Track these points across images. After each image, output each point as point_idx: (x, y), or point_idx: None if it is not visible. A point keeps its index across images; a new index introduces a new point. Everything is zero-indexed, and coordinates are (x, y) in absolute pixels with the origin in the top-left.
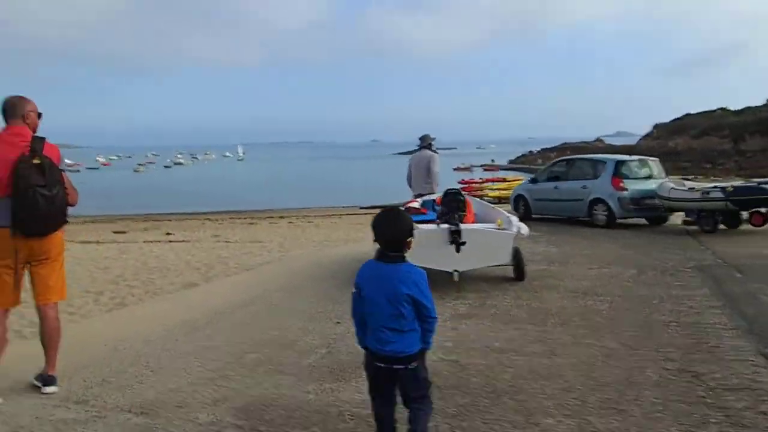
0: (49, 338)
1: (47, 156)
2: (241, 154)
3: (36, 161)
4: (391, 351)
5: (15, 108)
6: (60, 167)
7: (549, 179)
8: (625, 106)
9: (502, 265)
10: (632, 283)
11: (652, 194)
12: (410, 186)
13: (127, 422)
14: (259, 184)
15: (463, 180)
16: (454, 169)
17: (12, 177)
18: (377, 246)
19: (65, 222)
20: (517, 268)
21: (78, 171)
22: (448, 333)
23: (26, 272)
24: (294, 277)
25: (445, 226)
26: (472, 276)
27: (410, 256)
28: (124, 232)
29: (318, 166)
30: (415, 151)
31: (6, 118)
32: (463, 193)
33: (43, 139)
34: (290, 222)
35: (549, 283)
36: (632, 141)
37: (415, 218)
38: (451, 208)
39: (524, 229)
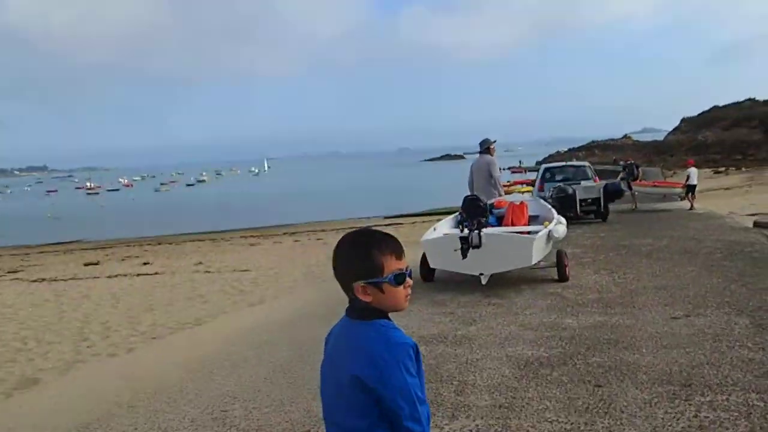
0: None
1: None
2: (266, 169)
3: None
4: None
5: None
6: None
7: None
8: (651, 101)
9: (539, 267)
10: (756, 349)
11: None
12: (471, 191)
13: None
14: (279, 198)
15: None
16: None
17: None
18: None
19: None
20: (558, 270)
21: (97, 194)
22: None
23: None
24: (216, 355)
25: (456, 232)
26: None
27: (435, 262)
28: (95, 263)
29: (343, 177)
30: (479, 152)
31: None
32: (482, 198)
33: None
34: (296, 240)
35: (615, 363)
36: (660, 136)
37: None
38: (470, 213)
39: (559, 232)
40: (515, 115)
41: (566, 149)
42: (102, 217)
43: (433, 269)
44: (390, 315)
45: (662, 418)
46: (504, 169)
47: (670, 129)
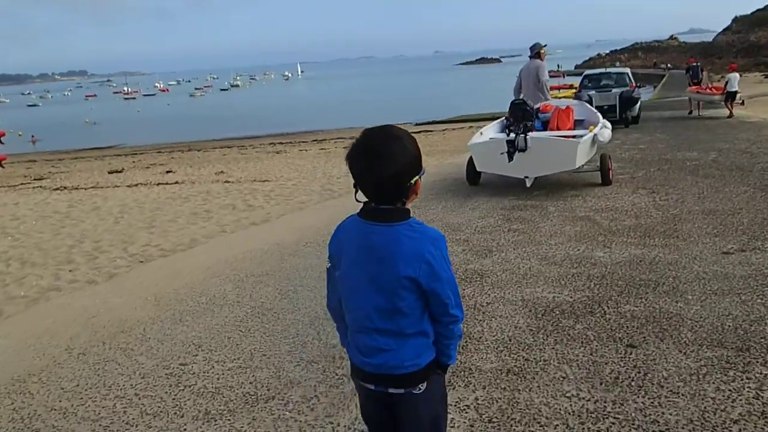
0: None
1: None
2: (299, 74)
3: None
4: (381, 365)
5: None
6: None
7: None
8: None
9: (582, 171)
10: None
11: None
12: (517, 95)
13: None
14: (310, 104)
15: None
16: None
17: None
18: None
19: None
20: (602, 174)
21: (134, 98)
22: None
23: None
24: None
25: (503, 136)
26: None
27: (481, 165)
28: (119, 171)
29: (375, 82)
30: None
31: None
32: (528, 102)
33: None
34: (322, 149)
35: (653, 314)
36: (708, 37)
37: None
38: (516, 117)
39: (604, 135)
40: (554, 17)
41: (608, 52)
42: (138, 122)
43: (479, 173)
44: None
45: (713, 398)
46: None
47: (720, 29)
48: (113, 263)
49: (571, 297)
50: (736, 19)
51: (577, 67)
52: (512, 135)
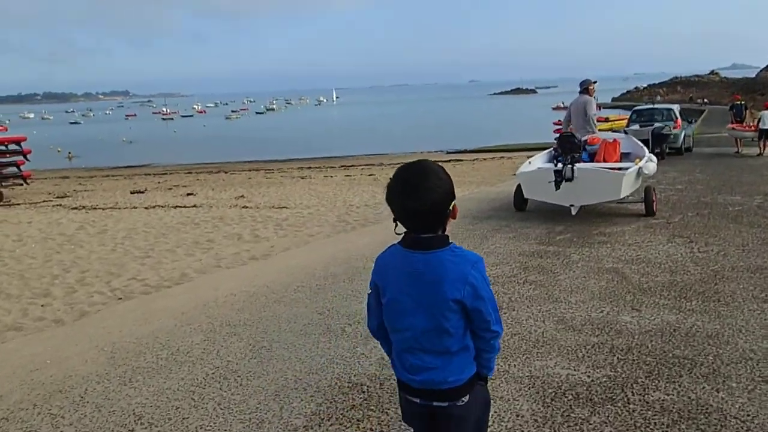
0: None
1: None
2: (334, 99)
3: None
4: (426, 381)
5: None
6: None
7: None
8: (741, 34)
9: (626, 202)
10: None
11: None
12: (566, 128)
13: None
14: (343, 129)
15: (559, 121)
16: (553, 108)
17: None
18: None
19: None
20: (645, 204)
21: (172, 119)
22: None
23: None
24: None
25: (551, 166)
26: None
27: (529, 192)
28: (141, 192)
29: (409, 110)
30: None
31: None
32: (575, 135)
33: None
34: (348, 175)
35: (688, 407)
36: (751, 73)
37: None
38: (565, 149)
39: (650, 169)
40: (591, 49)
41: (646, 85)
42: (173, 142)
43: (526, 200)
44: None
45: None
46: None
47: (764, 65)
48: (90, 299)
49: (589, 376)
50: None
51: (614, 99)
52: (559, 165)
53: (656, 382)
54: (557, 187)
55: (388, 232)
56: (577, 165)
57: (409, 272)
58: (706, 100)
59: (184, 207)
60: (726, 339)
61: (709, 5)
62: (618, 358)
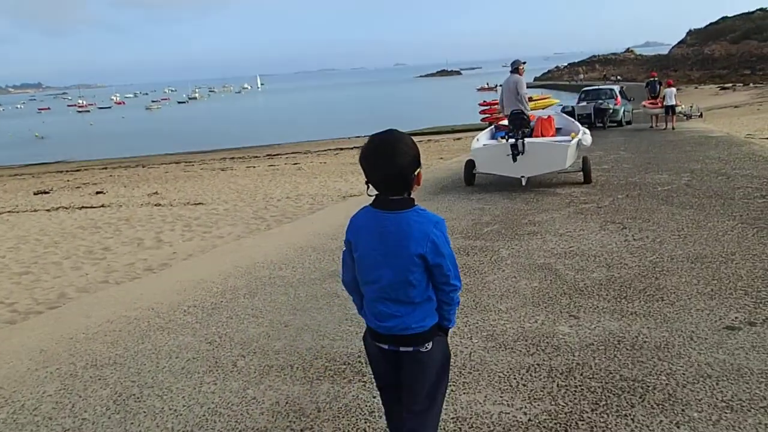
0: None
1: None
2: (259, 86)
3: None
4: (392, 327)
5: None
6: None
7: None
8: (653, 13)
9: (569, 171)
10: None
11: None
12: (502, 107)
13: None
14: (268, 117)
15: (484, 102)
16: (478, 90)
17: None
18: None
19: None
20: (584, 173)
21: (88, 111)
22: None
23: None
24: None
25: (506, 141)
26: None
27: (483, 167)
28: (46, 192)
29: (336, 95)
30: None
31: None
32: (526, 112)
33: None
34: (271, 165)
35: None
36: (663, 50)
37: (503, 134)
38: (515, 125)
39: (587, 140)
40: (514, 30)
41: (566, 64)
42: (89, 136)
43: (474, 174)
44: None
45: None
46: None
47: (675, 42)
48: None
49: (525, 413)
50: (690, 33)
51: (536, 79)
52: (511, 140)
53: (605, 416)
54: (514, 159)
55: (301, 232)
56: (527, 140)
57: (380, 231)
58: (619, 77)
59: (91, 207)
60: (677, 351)
61: None
62: (558, 384)
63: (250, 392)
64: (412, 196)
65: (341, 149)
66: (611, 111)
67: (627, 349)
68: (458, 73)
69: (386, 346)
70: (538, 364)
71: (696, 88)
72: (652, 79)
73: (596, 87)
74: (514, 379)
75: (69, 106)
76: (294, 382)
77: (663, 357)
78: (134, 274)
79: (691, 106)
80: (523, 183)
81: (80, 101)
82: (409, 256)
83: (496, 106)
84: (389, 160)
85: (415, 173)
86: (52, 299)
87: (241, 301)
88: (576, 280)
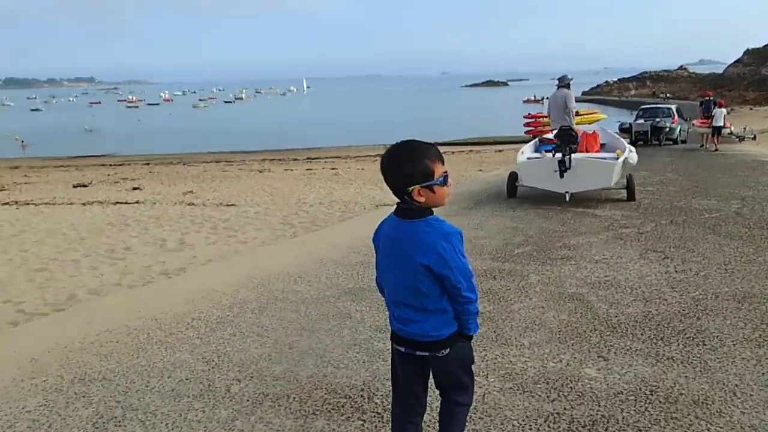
0: None
1: None
2: (305, 89)
3: None
4: (411, 332)
5: None
6: None
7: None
8: (709, 31)
9: (613, 188)
10: None
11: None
12: (550, 120)
13: None
14: (312, 119)
15: (529, 114)
16: (524, 101)
17: None
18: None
19: None
20: (628, 191)
21: (137, 107)
22: None
23: None
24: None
25: (553, 156)
26: None
27: (528, 180)
28: (84, 186)
29: (381, 101)
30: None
31: None
32: (574, 128)
33: None
34: (308, 169)
35: None
36: (718, 69)
37: (547, 147)
38: (563, 141)
39: (633, 159)
40: (563, 42)
41: (616, 79)
42: (136, 131)
43: (517, 187)
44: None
45: None
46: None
47: (731, 61)
48: None
49: None
50: (747, 52)
51: (584, 93)
52: (558, 155)
53: None
54: (561, 175)
55: (325, 242)
56: (574, 155)
57: (394, 238)
58: (669, 95)
59: (125, 203)
60: (717, 408)
61: (680, 3)
62: None
63: (238, 424)
64: (431, 207)
65: (381, 156)
66: (668, 129)
67: (660, 402)
68: (505, 84)
69: (403, 349)
70: (558, 413)
71: (751, 109)
72: (707, 98)
73: (654, 105)
74: (530, 429)
75: (119, 101)
76: (287, 416)
77: (701, 415)
78: (148, 278)
79: (745, 128)
80: (567, 199)
81: (130, 97)
82: (415, 265)
83: (541, 118)
84: (394, 170)
85: (413, 187)
86: (60, 301)
87: (248, 317)
88: (609, 314)
